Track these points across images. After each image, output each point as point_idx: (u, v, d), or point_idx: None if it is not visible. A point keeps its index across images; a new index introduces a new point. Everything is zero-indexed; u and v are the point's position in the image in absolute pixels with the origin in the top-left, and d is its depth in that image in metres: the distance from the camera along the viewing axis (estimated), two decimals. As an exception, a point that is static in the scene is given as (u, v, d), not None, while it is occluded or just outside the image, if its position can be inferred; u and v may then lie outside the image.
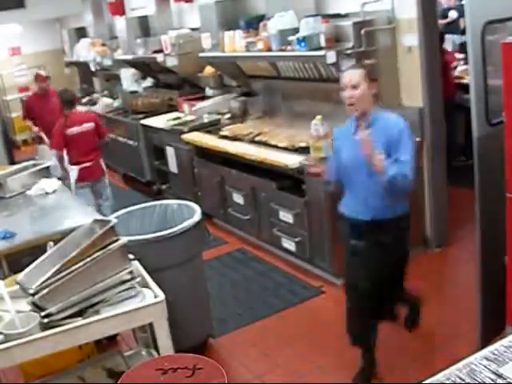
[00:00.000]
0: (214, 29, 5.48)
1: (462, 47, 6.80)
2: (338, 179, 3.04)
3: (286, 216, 4.43)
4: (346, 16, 4.49)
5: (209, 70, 6.31)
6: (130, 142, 7.11)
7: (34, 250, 3.02)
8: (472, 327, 3.22)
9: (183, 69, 6.41)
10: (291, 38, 4.38)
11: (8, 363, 2.33)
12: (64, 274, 2.33)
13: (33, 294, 2.31)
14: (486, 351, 1.50)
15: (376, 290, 2.95)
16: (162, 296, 2.47)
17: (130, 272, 2.52)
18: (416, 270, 4.26)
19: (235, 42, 5.13)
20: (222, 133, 5.38)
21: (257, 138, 4.98)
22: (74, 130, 5.08)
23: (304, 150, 4.30)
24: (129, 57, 7.32)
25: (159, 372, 1.71)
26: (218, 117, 5.91)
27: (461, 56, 6.68)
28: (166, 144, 6.14)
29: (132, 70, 7.94)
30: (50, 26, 10.99)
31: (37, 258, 2.54)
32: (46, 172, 4.49)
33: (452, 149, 5.90)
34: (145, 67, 7.64)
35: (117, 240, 2.48)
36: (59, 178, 4.58)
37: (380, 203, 2.87)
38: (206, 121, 5.86)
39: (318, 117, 4.11)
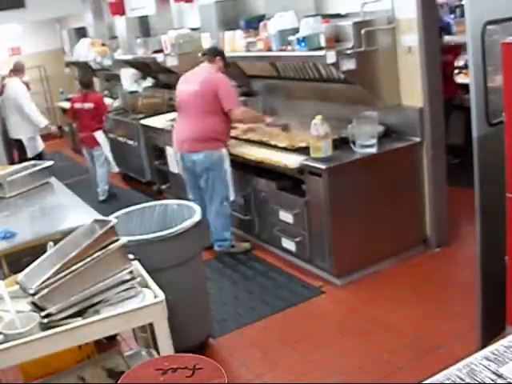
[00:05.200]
0: (214, 29, 5.48)
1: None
2: None
3: (286, 216, 4.43)
4: (345, 16, 4.49)
5: (209, 69, 6.30)
6: (130, 142, 7.11)
7: (34, 250, 3.02)
8: (472, 327, 3.22)
9: (183, 69, 6.38)
10: (291, 38, 4.38)
11: (8, 363, 2.32)
12: (64, 274, 2.33)
13: (33, 294, 2.31)
14: (486, 351, 1.50)
15: None
16: (162, 296, 2.47)
17: (130, 272, 2.51)
18: (416, 269, 4.31)
19: (235, 42, 5.12)
20: (222, 133, 5.37)
21: (257, 138, 4.98)
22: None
23: (304, 150, 4.30)
24: (129, 57, 7.31)
25: (159, 372, 1.72)
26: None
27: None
28: (166, 144, 6.13)
29: (132, 70, 7.94)
30: (50, 26, 10.99)
31: (37, 258, 2.53)
32: (46, 172, 4.48)
33: (452, 149, 5.91)
34: (145, 67, 7.64)
35: (117, 240, 2.48)
36: None
37: None
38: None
39: (318, 117, 4.11)
